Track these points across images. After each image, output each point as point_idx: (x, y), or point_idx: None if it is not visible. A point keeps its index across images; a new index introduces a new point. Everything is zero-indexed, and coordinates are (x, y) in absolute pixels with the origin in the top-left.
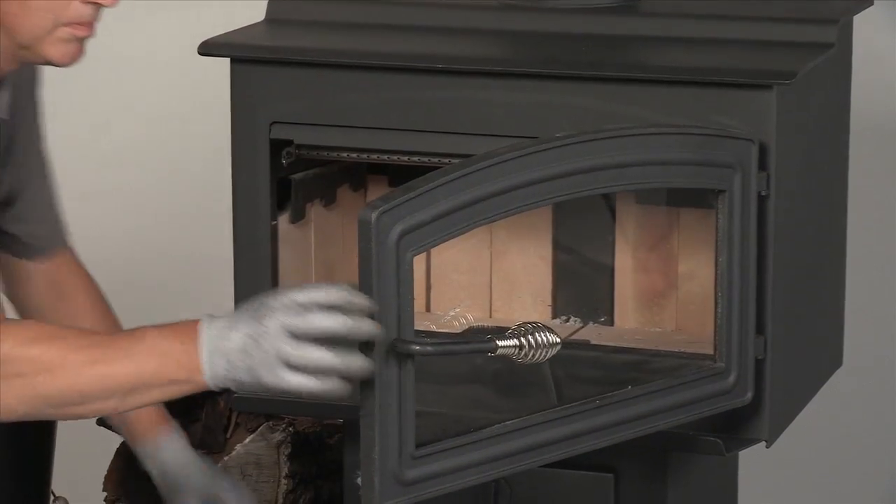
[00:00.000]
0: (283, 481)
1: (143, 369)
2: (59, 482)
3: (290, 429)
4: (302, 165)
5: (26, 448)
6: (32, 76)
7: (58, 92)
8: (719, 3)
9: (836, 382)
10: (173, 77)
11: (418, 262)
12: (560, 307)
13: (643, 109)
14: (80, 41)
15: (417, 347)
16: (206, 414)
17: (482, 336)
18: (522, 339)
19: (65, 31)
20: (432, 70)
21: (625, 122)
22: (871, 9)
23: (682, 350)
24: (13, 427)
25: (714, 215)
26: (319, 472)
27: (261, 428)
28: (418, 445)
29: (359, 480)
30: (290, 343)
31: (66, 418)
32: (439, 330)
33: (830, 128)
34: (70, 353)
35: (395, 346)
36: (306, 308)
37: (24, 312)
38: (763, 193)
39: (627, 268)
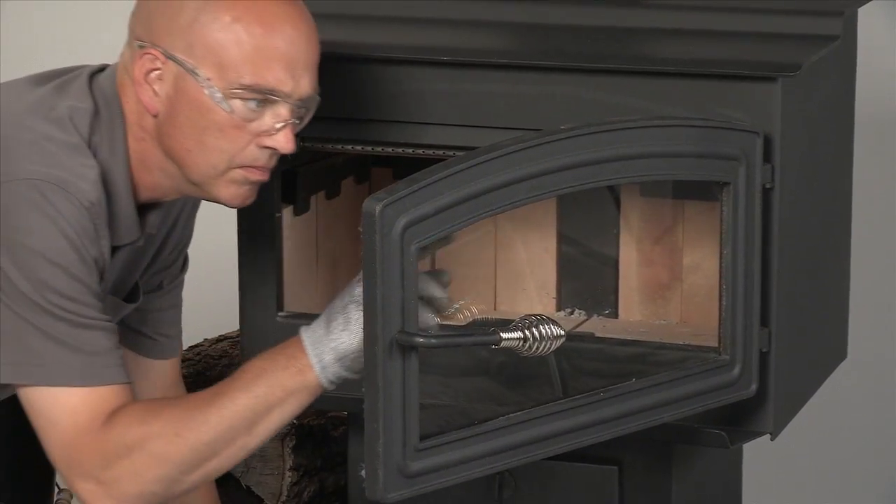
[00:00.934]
0: (288, 474)
1: (256, 392)
2: None
3: (295, 421)
4: (306, 158)
5: (31, 440)
6: (195, 202)
7: None
8: None
9: (840, 375)
10: None
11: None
12: (564, 299)
13: (647, 101)
14: (252, 184)
15: (421, 340)
16: None
17: (486, 328)
18: (527, 332)
19: (238, 174)
20: (436, 62)
21: (629, 115)
22: (875, 1)
23: (687, 342)
24: (18, 418)
25: (718, 207)
26: (324, 465)
27: None
28: (422, 438)
29: (363, 473)
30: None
31: (203, 480)
32: (443, 322)
33: (835, 120)
34: (186, 412)
35: (399, 339)
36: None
37: None
38: (767, 186)
39: (632, 260)
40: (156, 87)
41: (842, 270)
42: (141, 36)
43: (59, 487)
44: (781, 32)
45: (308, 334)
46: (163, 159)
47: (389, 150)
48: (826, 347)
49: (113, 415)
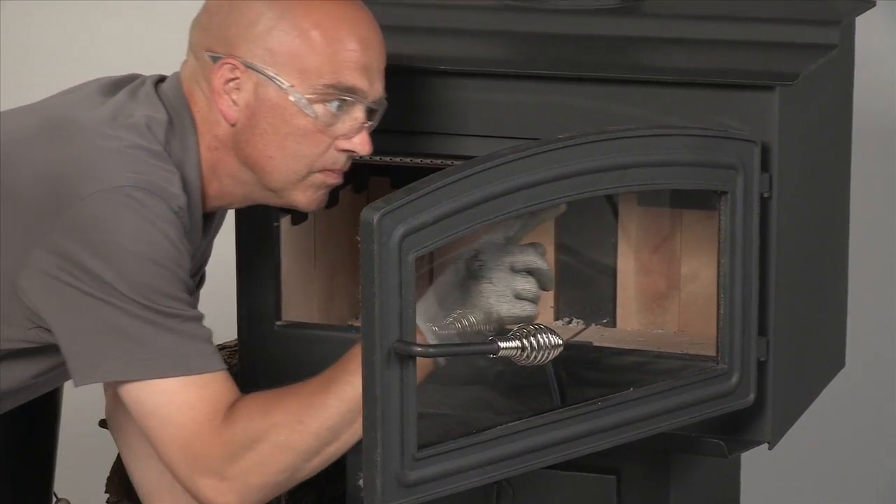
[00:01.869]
0: None
1: None
2: (62, 484)
3: None
4: None
5: (29, 449)
6: (223, 216)
7: (56, 91)
8: (722, 4)
9: (839, 384)
10: None
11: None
12: (562, 309)
13: (646, 111)
14: (328, 188)
15: (419, 349)
16: None
17: (484, 338)
18: (525, 341)
19: (317, 178)
20: (435, 71)
21: (627, 124)
22: (873, 10)
23: (685, 352)
24: (16, 428)
25: (716, 216)
26: (322, 474)
27: None
28: (420, 447)
29: (361, 482)
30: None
31: (322, 466)
32: (441, 331)
33: (832, 129)
34: (306, 398)
35: (397, 348)
36: None
37: None
38: (765, 194)
39: (630, 269)
40: (234, 97)
41: (840, 279)
42: (213, 47)
43: (56, 497)
44: (779, 41)
45: (421, 311)
46: (236, 167)
47: (387, 159)
48: (824, 356)
49: (232, 408)
